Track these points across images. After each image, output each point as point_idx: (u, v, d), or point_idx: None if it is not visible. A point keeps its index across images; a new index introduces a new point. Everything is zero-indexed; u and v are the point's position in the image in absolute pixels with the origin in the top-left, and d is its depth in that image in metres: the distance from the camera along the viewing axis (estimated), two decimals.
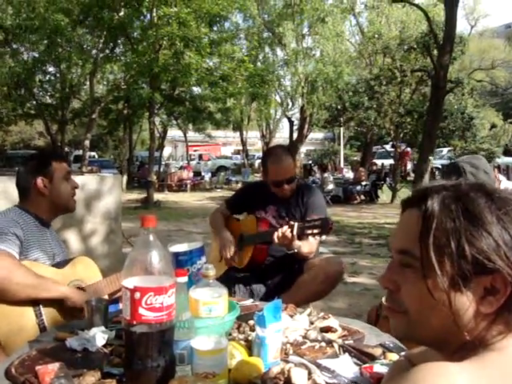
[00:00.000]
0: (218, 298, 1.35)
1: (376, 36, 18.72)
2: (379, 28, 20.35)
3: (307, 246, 2.70)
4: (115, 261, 5.54)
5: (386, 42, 16.87)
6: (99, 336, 1.48)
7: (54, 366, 1.30)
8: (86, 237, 5.34)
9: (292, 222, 2.52)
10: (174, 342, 1.24)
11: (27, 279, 1.83)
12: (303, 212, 2.93)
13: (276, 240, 2.57)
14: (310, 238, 2.52)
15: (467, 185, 0.86)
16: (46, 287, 1.87)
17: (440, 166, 21.67)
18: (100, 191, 5.38)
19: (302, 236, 2.49)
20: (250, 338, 1.51)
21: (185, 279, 1.30)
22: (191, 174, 23.12)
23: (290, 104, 24.30)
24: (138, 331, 1.18)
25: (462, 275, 0.79)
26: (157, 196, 15.95)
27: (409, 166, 23.63)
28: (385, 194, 16.46)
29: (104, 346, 1.47)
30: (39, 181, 2.18)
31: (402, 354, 1.55)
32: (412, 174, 22.57)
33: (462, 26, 12.23)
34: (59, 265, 2.09)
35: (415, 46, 14.62)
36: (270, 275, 2.93)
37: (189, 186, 21.44)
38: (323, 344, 1.57)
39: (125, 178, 20.42)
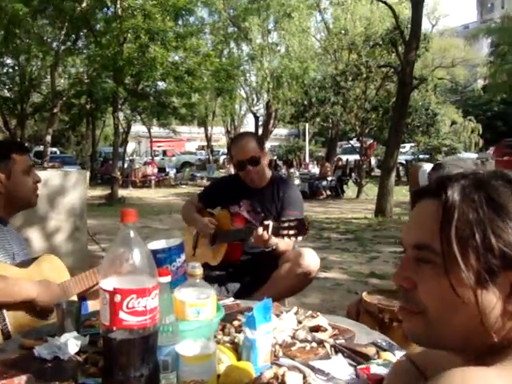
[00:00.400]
0: (206, 299, 1.23)
1: (342, 32, 18.80)
2: (345, 24, 20.45)
3: (284, 243, 2.60)
4: (80, 259, 5.35)
5: (352, 38, 16.97)
6: (71, 342, 1.34)
7: (21, 380, 1.17)
8: (49, 234, 5.13)
9: (267, 222, 2.41)
10: (157, 347, 1.12)
11: None
12: (279, 207, 2.84)
13: (252, 241, 2.50)
14: (286, 238, 2.43)
15: (488, 173, 0.79)
16: (10, 292, 1.70)
17: (404, 162, 22.00)
18: (64, 187, 5.19)
19: (277, 235, 2.40)
20: (236, 340, 1.41)
21: (168, 279, 1.19)
22: (156, 170, 22.84)
23: (256, 99, 24.25)
24: (118, 338, 1.05)
25: (489, 270, 0.72)
26: (121, 192, 15.67)
27: (373, 161, 23.88)
28: (350, 190, 16.58)
29: (77, 353, 1.34)
30: None
31: (397, 352, 1.48)
32: (377, 170, 22.85)
33: (423, 25, 12.54)
34: (23, 264, 1.93)
35: (381, 43, 14.72)
36: (245, 272, 2.85)
37: (153, 182, 21.17)
38: (314, 344, 1.49)
39: (88, 173, 19.98)
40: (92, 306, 2.03)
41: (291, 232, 2.30)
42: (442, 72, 28.70)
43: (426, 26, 19.20)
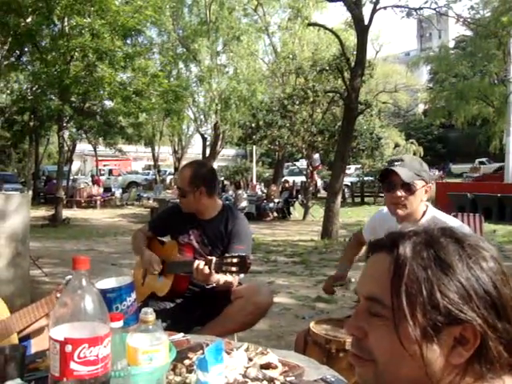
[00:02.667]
0: (159, 346, 1.22)
1: (290, 56, 19.15)
2: (292, 49, 20.86)
3: (226, 279, 2.60)
4: (22, 285, 5.16)
5: (299, 63, 17.31)
6: None
7: None
8: None
9: (210, 257, 2.41)
10: None
11: None
12: (226, 242, 2.82)
13: (194, 276, 2.48)
14: (228, 274, 2.43)
15: (438, 230, 0.83)
16: None
17: (349, 184, 22.49)
18: (5, 211, 5.00)
19: (218, 271, 2.40)
20: (187, 380, 1.40)
21: (120, 324, 1.17)
22: (101, 190, 22.39)
23: (204, 120, 24.25)
24: None
25: (434, 326, 0.76)
26: (65, 213, 15.25)
27: (319, 183, 24.28)
28: (297, 211, 16.77)
29: None
30: None
31: None
32: (323, 192, 23.24)
33: (368, 51, 12.92)
34: None
35: (327, 68, 15.08)
36: (193, 304, 2.83)
37: (99, 202, 20.73)
38: (265, 383, 1.49)
39: (30, 193, 19.37)
40: (37, 342, 1.96)
41: (233, 269, 2.31)
42: (385, 96, 29.68)
43: (370, 52, 19.80)
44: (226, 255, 2.46)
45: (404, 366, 0.78)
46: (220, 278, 2.55)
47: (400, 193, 2.28)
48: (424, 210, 2.35)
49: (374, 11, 10.94)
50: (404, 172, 2.27)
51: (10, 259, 5.07)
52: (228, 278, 2.59)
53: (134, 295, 1.66)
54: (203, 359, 1.26)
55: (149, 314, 1.24)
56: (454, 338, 0.76)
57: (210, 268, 2.37)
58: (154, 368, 1.20)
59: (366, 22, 10.80)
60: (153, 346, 1.21)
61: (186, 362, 1.56)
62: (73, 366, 1.02)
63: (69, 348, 1.02)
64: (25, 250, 5.27)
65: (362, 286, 0.86)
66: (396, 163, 2.30)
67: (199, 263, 2.41)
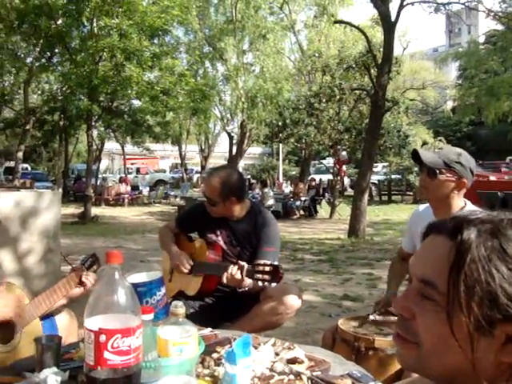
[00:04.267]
0: (189, 338, 1.26)
1: (316, 54, 19.08)
2: (319, 46, 20.78)
3: (256, 284, 2.56)
4: (53, 280, 5.25)
5: (326, 61, 17.23)
6: (51, 379, 1.34)
7: None
8: (21, 256, 5.04)
9: (241, 263, 2.41)
10: None
11: None
12: (255, 242, 2.82)
13: (225, 280, 2.48)
14: (259, 282, 2.40)
15: (508, 222, 0.78)
16: None
17: (376, 182, 22.30)
18: (37, 208, 5.11)
19: (250, 278, 2.40)
20: (215, 373, 1.43)
21: (150, 316, 1.21)
22: (129, 188, 22.65)
23: (230, 119, 24.36)
24: (102, 377, 1.07)
25: (489, 319, 0.73)
26: (94, 210, 15.49)
27: (346, 181, 24.14)
28: (323, 210, 16.71)
29: None
30: None
31: None
32: (350, 190, 23.10)
33: (395, 48, 12.77)
34: None
35: (354, 65, 15.00)
36: (221, 303, 2.85)
37: (126, 200, 20.99)
38: (292, 377, 1.52)
39: (60, 191, 19.73)
40: (60, 319, 2.02)
41: (265, 277, 2.31)
42: (412, 93, 29.33)
43: (397, 49, 19.60)
44: (259, 262, 2.46)
45: (450, 354, 0.77)
46: (251, 283, 2.55)
47: (423, 176, 2.28)
48: (462, 206, 2.33)
49: (401, 7, 10.83)
50: (428, 155, 2.26)
51: (42, 255, 5.19)
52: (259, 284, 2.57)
53: (163, 290, 1.70)
54: (231, 352, 1.29)
55: (179, 306, 1.27)
56: (506, 336, 0.74)
57: (241, 274, 2.38)
58: (183, 360, 1.24)
59: (393, 19, 10.71)
60: (183, 338, 1.25)
61: (214, 355, 1.59)
62: (106, 355, 1.06)
63: (103, 338, 1.06)
64: (56, 247, 5.39)
65: (416, 267, 0.83)
66: (436, 150, 2.31)
67: (232, 268, 2.41)
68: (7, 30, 14.45)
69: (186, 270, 2.77)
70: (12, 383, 1.36)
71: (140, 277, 1.68)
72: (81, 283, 2.07)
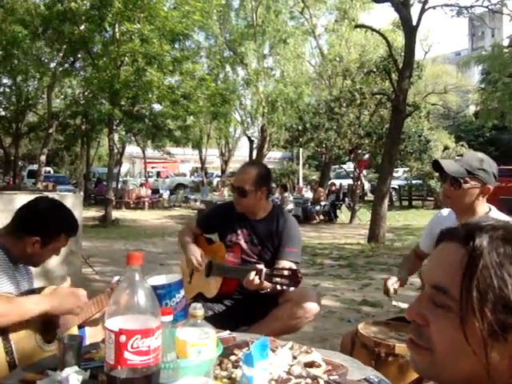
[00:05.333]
0: (207, 339, 1.27)
1: (337, 59, 19.06)
2: (339, 51, 20.75)
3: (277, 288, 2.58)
4: (75, 282, 5.33)
5: (346, 65, 17.20)
6: (73, 377, 1.37)
7: None
8: None
9: (260, 267, 2.41)
10: None
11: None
12: (276, 243, 2.83)
13: (244, 284, 2.50)
14: (278, 286, 2.40)
15: None
16: (19, 310, 1.72)
17: (397, 187, 22.12)
18: None
19: (268, 282, 2.39)
20: (233, 375, 1.44)
21: (170, 318, 1.23)
22: (149, 192, 22.84)
23: (250, 123, 24.43)
24: (122, 376, 1.10)
25: (502, 325, 0.74)
26: (114, 214, 15.65)
27: (366, 186, 24.00)
28: (343, 214, 16.64)
29: None
30: (34, 240, 2.04)
31: None
32: (370, 195, 22.96)
33: (416, 52, 12.67)
34: (26, 294, 1.96)
35: (375, 70, 14.93)
36: (240, 305, 2.85)
37: (147, 203, 21.15)
38: (309, 380, 1.52)
39: (81, 194, 19.97)
40: (90, 332, 2.07)
41: (284, 281, 2.31)
42: (434, 98, 29.06)
43: (418, 53, 19.56)
44: (278, 267, 2.47)
45: (464, 360, 0.77)
46: (271, 286, 2.53)
47: (447, 185, 2.26)
48: (486, 212, 2.31)
49: (422, 11, 10.76)
50: (450, 165, 2.24)
51: (64, 257, 5.27)
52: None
53: (182, 292, 1.72)
54: (249, 354, 1.30)
55: (198, 308, 1.29)
56: None
57: (260, 278, 2.38)
58: (202, 361, 1.25)
59: (415, 23, 10.64)
60: (201, 340, 1.26)
61: (232, 357, 1.60)
62: (126, 355, 1.08)
63: (123, 338, 1.08)
64: (77, 249, 5.47)
65: (428, 273, 0.84)
66: (457, 157, 2.29)
67: (251, 274, 2.42)
68: (32, 36, 14.71)
69: (199, 266, 2.79)
70: (36, 380, 1.39)
71: (159, 279, 1.70)
72: None
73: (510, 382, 0.76)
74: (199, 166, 34.30)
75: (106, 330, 1.11)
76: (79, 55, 16.11)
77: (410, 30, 10.62)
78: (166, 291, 1.67)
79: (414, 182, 22.38)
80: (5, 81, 21.25)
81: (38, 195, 2.41)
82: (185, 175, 36.65)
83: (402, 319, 2.60)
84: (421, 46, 33.07)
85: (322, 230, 13.87)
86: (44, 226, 2.07)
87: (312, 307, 2.72)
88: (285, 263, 2.68)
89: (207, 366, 1.28)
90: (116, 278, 2.13)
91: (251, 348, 1.31)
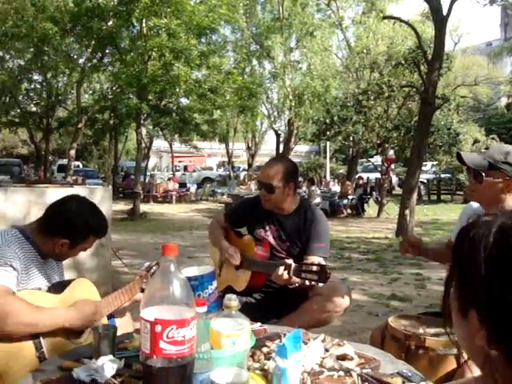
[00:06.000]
0: (241, 330, 1.27)
1: (364, 51, 18.84)
2: (367, 43, 20.51)
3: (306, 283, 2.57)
4: (104, 274, 5.43)
5: (374, 57, 17.00)
6: (108, 366, 1.39)
7: None
8: None
9: (289, 262, 2.40)
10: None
11: (27, 318, 1.72)
12: (304, 238, 2.82)
13: (273, 279, 2.49)
14: (306, 282, 2.39)
15: None
16: (46, 323, 1.77)
17: (425, 181, 21.82)
18: None
19: (297, 277, 2.39)
20: (265, 367, 1.44)
21: (204, 309, 1.24)
22: (177, 186, 23.00)
23: (277, 117, 24.37)
24: (157, 365, 1.11)
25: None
26: (142, 207, 15.82)
27: (394, 179, 23.74)
28: (371, 208, 16.51)
29: (113, 376, 1.38)
30: (63, 241, 2.07)
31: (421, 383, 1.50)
32: (397, 188, 22.72)
33: (446, 43, 12.39)
34: (56, 288, 1.99)
35: (403, 62, 14.72)
36: (270, 298, 2.86)
37: (174, 197, 21.32)
38: (341, 373, 1.51)
39: (110, 188, 20.20)
40: (119, 322, 2.10)
41: (312, 277, 2.30)
42: (464, 90, 28.53)
43: (448, 44, 19.09)
44: (307, 262, 2.46)
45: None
46: (299, 281, 2.52)
47: (471, 178, 2.23)
48: None
49: (453, 0, 10.55)
50: (472, 157, 2.20)
51: (94, 249, 5.32)
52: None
53: (215, 284, 1.73)
54: (283, 346, 1.30)
55: (232, 300, 1.30)
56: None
57: (289, 273, 2.38)
58: (236, 352, 1.26)
59: (445, 13, 10.43)
60: (236, 331, 1.26)
61: (264, 349, 1.61)
62: (162, 344, 1.09)
63: (158, 328, 1.09)
64: (107, 241, 5.53)
65: None
66: (482, 150, 2.24)
67: (279, 269, 2.41)
68: (62, 33, 14.93)
69: (236, 263, 2.79)
70: (72, 367, 1.42)
71: (192, 271, 1.71)
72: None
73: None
74: (226, 159, 34.39)
75: (141, 319, 1.13)
76: (107, 51, 16.30)
77: (440, 21, 10.42)
78: (199, 282, 1.68)
79: (442, 175, 22.04)
80: (36, 77, 21.66)
81: (69, 192, 2.43)
82: (211, 169, 36.82)
83: (432, 314, 2.58)
84: (450, 37, 32.50)
85: (350, 223, 13.78)
86: (72, 230, 2.08)
87: (342, 301, 2.70)
88: (313, 259, 2.66)
89: (241, 357, 1.28)
90: (146, 265, 2.16)
91: (284, 340, 1.31)
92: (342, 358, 1.62)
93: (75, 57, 18.09)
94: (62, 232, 2.06)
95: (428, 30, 18.48)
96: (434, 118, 12.39)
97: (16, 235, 2.01)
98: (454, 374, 2.07)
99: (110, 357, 1.45)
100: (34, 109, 23.78)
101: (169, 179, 24.20)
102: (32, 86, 22.16)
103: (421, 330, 2.26)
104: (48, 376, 1.42)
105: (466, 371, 1.96)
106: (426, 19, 20.22)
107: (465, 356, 2.02)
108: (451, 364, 2.09)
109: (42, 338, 1.79)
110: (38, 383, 1.35)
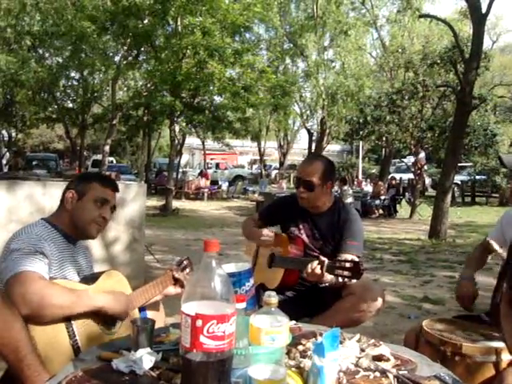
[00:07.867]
0: (281, 327, 1.28)
1: (399, 50, 18.60)
2: (402, 42, 20.26)
3: (337, 280, 2.55)
4: (137, 269, 5.52)
5: (409, 57, 16.75)
6: (146, 358, 1.42)
7: None
8: (108, 244, 5.31)
9: (322, 258, 2.39)
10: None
11: (61, 300, 1.75)
12: (338, 237, 2.81)
13: (305, 275, 2.48)
14: (339, 278, 2.39)
15: None
16: (82, 304, 1.80)
17: (459, 182, 21.42)
18: (124, 199, 5.35)
19: (330, 274, 2.38)
20: (301, 365, 1.44)
21: (243, 305, 1.25)
22: (208, 183, 23.14)
23: (310, 115, 24.29)
24: (197, 359, 1.12)
25: None
26: (175, 203, 15.97)
27: (427, 181, 23.38)
28: (403, 209, 16.31)
29: (151, 369, 1.41)
30: (69, 193, 2.13)
31: None
32: (430, 190, 22.36)
33: (484, 41, 12.10)
34: (87, 279, 2.03)
35: (439, 61, 14.47)
36: (302, 297, 2.85)
37: (206, 194, 21.45)
38: (377, 374, 1.50)
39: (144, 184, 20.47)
40: (151, 315, 2.14)
41: (345, 273, 2.28)
42: (502, 90, 27.88)
43: (486, 42, 18.68)
44: (340, 258, 2.44)
45: None
46: (332, 278, 2.52)
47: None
48: None
49: None
50: (510, 159, 2.16)
51: (128, 244, 5.44)
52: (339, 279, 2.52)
53: (252, 281, 1.73)
54: (320, 344, 1.30)
55: (272, 296, 1.30)
56: None
57: (322, 269, 2.37)
58: (274, 348, 1.26)
59: (484, 10, 10.21)
60: (275, 328, 1.27)
61: (300, 347, 1.61)
62: (202, 339, 1.10)
63: (199, 323, 1.10)
64: (140, 237, 5.62)
65: None
66: None
67: (312, 263, 2.40)
68: (99, 31, 15.19)
69: (270, 238, 2.80)
70: (112, 358, 1.45)
71: (229, 267, 1.73)
72: (175, 283, 2.18)
73: None
74: (258, 158, 34.43)
75: (182, 314, 1.14)
76: (142, 48, 16.51)
77: (478, 19, 10.20)
78: (236, 279, 1.69)
79: (477, 177, 21.61)
80: (73, 74, 22.11)
81: None
82: (243, 167, 36.90)
83: (467, 317, 2.53)
84: (488, 36, 31.86)
85: (382, 224, 13.65)
86: (76, 179, 2.22)
87: (376, 302, 2.68)
88: (347, 256, 2.64)
89: (278, 354, 1.29)
90: (177, 260, 2.18)
91: (322, 338, 1.30)
92: (378, 358, 1.61)
93: (111, 54, 18.40)
94: (68, 186, 2.17)
95: (465, 29, 18.17)
96: (469, 118, 12.16)
97: (44, 225, 2.07)
98: (491, 382, 2.03)
99: (148, 349, 1.47)
100: (70, 105, 24.30)
101: (199, 174, 24.33)
102: (69, 83, 22.67)
103: (457, 336, 2.21)
104: (88, 365, 1.45)
105: (504, 379, 1.92)
106: (464, 17, 19.85)
107: (504, 363, 1.98)
108: (489, 371, 2.04)
109: (75, 327, 1.82)
110: (80, 372, 1.38)
